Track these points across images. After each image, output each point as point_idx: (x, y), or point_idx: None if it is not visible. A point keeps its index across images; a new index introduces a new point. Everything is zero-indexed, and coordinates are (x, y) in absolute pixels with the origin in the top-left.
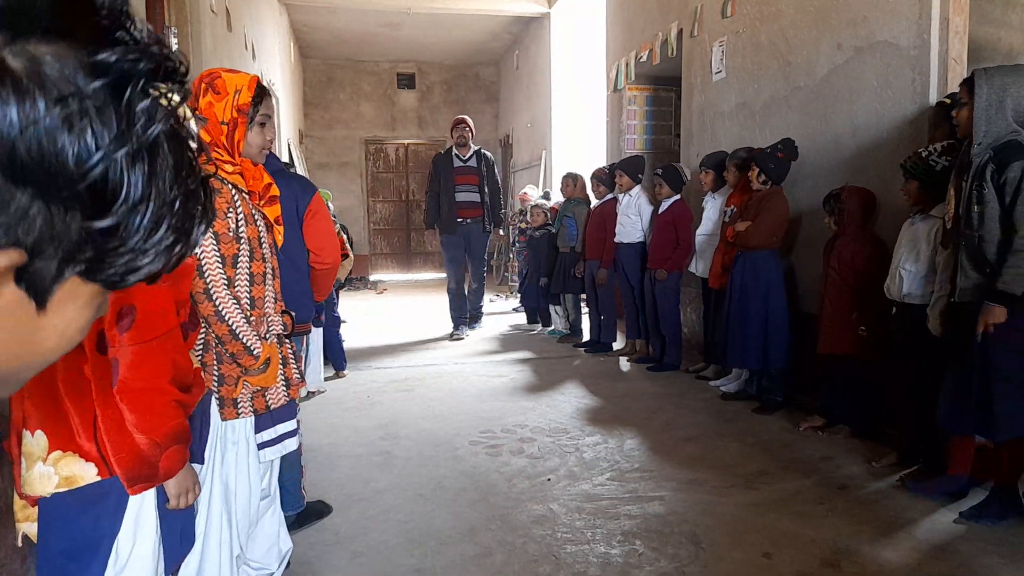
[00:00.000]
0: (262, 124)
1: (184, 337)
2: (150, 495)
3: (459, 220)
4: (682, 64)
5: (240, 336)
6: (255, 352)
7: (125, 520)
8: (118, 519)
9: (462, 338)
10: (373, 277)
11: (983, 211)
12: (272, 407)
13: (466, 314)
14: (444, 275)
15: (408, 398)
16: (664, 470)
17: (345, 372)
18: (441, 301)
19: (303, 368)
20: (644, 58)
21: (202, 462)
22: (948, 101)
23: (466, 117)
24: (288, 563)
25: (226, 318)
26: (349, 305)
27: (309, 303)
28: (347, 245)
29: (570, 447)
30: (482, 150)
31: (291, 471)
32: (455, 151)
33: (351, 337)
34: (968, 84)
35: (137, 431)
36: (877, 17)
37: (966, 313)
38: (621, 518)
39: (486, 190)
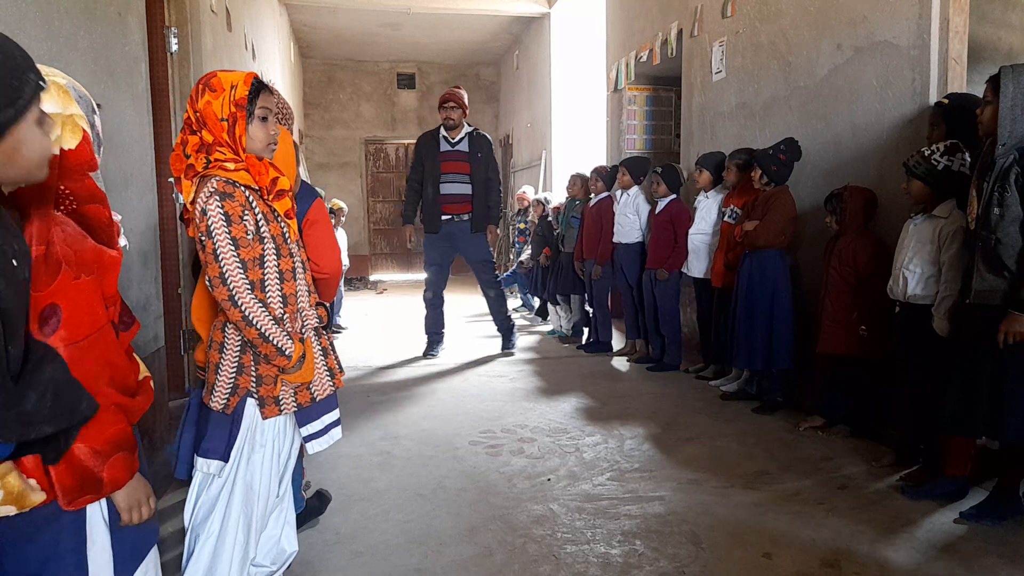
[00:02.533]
0: (263, 119)
1: (116, 336)
2: (101, 504)
3: (444, 217)
4: (682, 64)
5: (270, 338)
6: (287, 352)
7: (88, 530)
8: (82, 530)
9: (435, 356)
10: (373, 277)
11: (1003, 214)
12: (318, 398)
13: (442, 328)
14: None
15: (408, 398)
16: (664, 470)
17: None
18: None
19: None
20: (644, 58)
21: (226, 460)
22: (946, 101)
23: (456, 91)
24: (288, 564)
25: (254, 322)
26: (349, 305)
27: None
28: None
29: (570, 447)
30: (478, 131)
31: (294, 472)
32: (443, 132)
33: (352, 337)
34: (993, 82)
35: (76, 440)
36: (877, 17)
37: (977, 314)
38: (621, 518)
39: (478, 180)
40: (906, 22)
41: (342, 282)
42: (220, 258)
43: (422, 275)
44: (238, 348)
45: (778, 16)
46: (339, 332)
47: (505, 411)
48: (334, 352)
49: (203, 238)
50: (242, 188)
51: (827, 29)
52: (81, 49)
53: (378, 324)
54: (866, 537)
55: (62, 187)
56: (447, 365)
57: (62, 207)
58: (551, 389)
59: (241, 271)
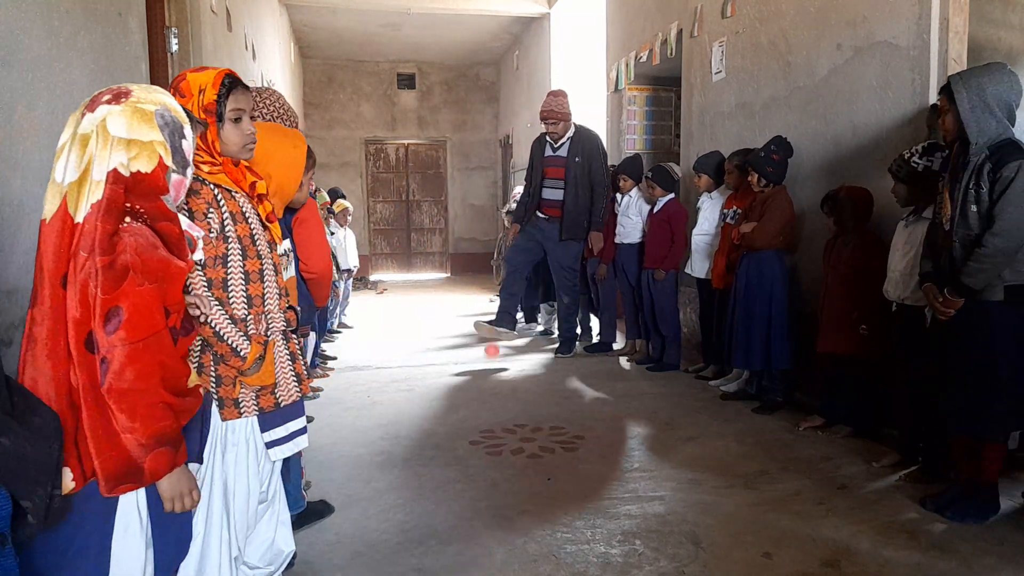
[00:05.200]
0: (237, 120)
1: (174, 341)
2: (140, 496)
3: (542, 216)
4: (682, 64)
5: (225, 338)
6: (242, 354)
7: (117, 520)
8: (109, 520)
9: (506, 330)
10: (373, 277)
11: (980, 210)
12: (283, 404)
13: (513, 310)
14: (443, 275)
15: (408, 398)
16: (664, 470)
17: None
18: (439, 300)
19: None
20: (644, 58)
21: (200, 462)
22: None
23: (551, 108)
24: (292, 563)
25: (208, 320)
26: (349, 305)
27: (306, 307)
28: None
29: (570, 446)
30: (582, 133)
31: (292, 472)
32: (547, 137)
33: (352, 336)
34: (947, 92)
35: (124, 432)
36: (877, 17)
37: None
38: (621, 518)
39: (571, 184)
40: (906, 22)
41: (349, 282)
42: None
43: (422, 275)
44: (197, 348)
45: (778, 16)
46: (339, 332)
47: (505, 411)
48: (303, 357)
49: None
50: (211, 186)
51: (827, 29)
52: (81, 49)
53: (378, 324)
54: (866, 537)
55: (137, 206)
56: (447, 365)
57: (139, 221)
58: (551, 389)
59: (199, 269)
